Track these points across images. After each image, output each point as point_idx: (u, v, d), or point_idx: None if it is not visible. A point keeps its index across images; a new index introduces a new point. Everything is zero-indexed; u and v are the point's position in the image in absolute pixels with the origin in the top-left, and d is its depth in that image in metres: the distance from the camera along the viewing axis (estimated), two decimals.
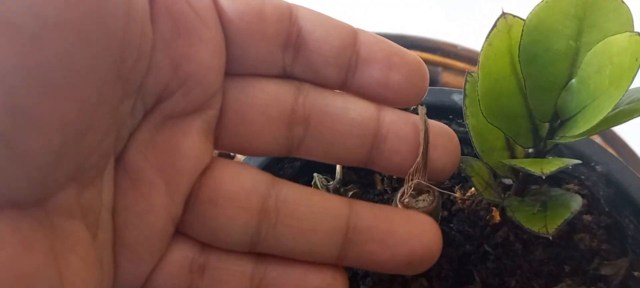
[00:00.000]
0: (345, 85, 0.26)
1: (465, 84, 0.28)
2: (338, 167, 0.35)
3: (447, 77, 0.56)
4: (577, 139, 0.26)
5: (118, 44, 0.21)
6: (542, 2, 0.26)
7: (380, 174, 0.36)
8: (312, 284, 0.26)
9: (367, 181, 0.36)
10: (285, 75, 0.26)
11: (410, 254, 0.26)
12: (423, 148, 0.28)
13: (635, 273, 0.31)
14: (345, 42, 0.25)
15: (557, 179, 0.34)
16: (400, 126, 0.27)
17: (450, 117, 0.37)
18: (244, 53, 0.25)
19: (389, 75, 0.26)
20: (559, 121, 0.28)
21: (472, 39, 0.52)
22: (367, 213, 0.26)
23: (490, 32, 0.27)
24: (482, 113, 0.27)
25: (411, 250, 0.26)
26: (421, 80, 0.26)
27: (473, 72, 0.28)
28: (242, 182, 0.25)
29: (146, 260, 0.25)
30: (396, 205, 0.28)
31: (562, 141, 0.27)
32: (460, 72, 0.55)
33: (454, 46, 0.56)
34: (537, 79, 0.27)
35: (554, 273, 0.32)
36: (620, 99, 0.24)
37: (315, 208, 0.26)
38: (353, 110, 0.26)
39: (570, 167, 0.33)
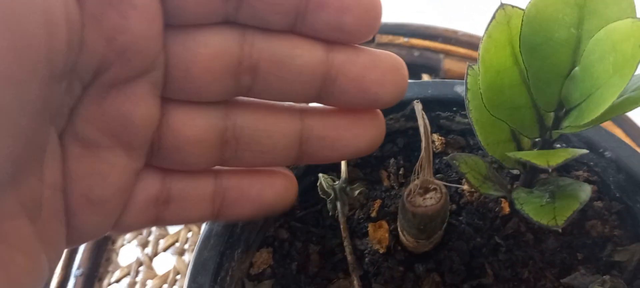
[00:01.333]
0: (295, 29, 0.26)
1: (466, 77, 0.28)
2: (343, 166, 0.35)
3: (449, 64, 0.55)
4: (584, 128, 0.26)
5: (41, 41, 0.20)
6: None
7: (386, 170, 0.36)
8: (268, 197, 0.29)
9: (373, 178, 0.36)
10: (228, 22, 0.25)
11: (356, 152, 0.29)
12: (425, 144, 0.27)
13: None
14: None
15: (566, 166, 0.34)
16: (350, 67, 0.26)
17: (454, 109, 0.36)
18: (183, 4, 0.24)
19: (341, 18, 0.25)
20: (564, 110, 0.28)
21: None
22: (317, 124, 0.28)
23: (489, 24, 0.26)
24: (484, 106, 0.27)
25: (357, 149, 0.29)
26: (374, 19, 0.25)
27: (474, 65, 0.28)
28: (198, 124, 0.26)
29: (115, 210, 0.26)
30: (404, 204, 0.28)
31: (568, 131, 0.27)
32: (462, 58, 0.54)
33: (455, 32, 0.56)
34: (539, 69, 0.27)
35: (567, 262, 0.31)
36: (625, 86, 0.24)
37: (271, 129, 0.28)
38: (301, 56, 0.26)
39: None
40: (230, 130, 0.27)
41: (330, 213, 0.34)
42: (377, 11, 0.25)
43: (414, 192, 0.28)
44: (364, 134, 0.29)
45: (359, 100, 0.27)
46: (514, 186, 0.30)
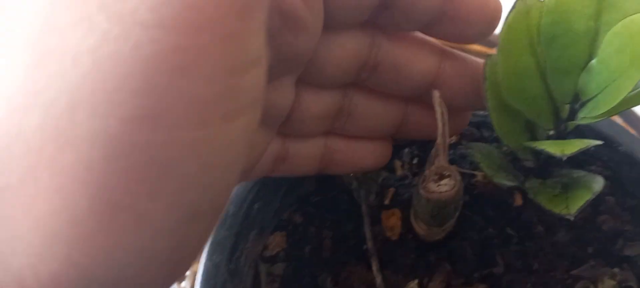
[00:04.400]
0: (422, 30, 0.28)
1: (485, 67, 0.28)
2: None
3: None
4: (598, 120, 0.26)
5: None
6: None
7: (400, 160, 0.36)
8: (368, 162, 0.32)
9: (387, 166, 0.36)
10: (363, 25, 0.27)
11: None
12: (441, 132, 0.28)
13: None
14: (433, 3, 0.26)
15: (579, 161, 0.34)
16: (456, 79, 0.29)
17: None
18: (336, 19, 0.25)
19: (467, 30, 0.27)
20: (580, 102, 0.28)
21: None
22: (418, 112, 0.31)
23: (509, 14, 0.27)
24: (502, 94, 0.27)
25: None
26: (492, 29, 0.27)
27: (492, 54, 0.28)
28: (323, 102, 0.29)
29: (249, 168, 0.28)
30: (419, 191, 0.28)
31: (583, 122, 0.27)
32: (478, 54, 0.55)
33: None
34: (557, 61, 0.27)
35: (578, 255, 0.32)
36: None
37: (378, 111, 0.31)
38: (417, 63, 0.29)
39: (592, 148, 0.33)
40: (346, 107, 0.30)
41: (357, 199, 0.34)
42: (496, 23, 0.27)
43: (428, 178, 0.28)
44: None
45: (455, 109, 0.30)
46: (529, 177, 0.31)
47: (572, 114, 0.28)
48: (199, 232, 0.18)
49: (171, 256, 0.17)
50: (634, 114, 0.51)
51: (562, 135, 0.29)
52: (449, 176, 0.28)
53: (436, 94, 0.28)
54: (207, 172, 0.17)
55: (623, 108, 0.25)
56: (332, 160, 0.31)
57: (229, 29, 0.16)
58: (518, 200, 0.33)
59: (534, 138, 0.30)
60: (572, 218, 0.25)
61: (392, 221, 0.33)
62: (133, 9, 0.15)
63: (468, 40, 0.28)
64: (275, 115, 0.27)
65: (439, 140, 0.28)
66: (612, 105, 0.24)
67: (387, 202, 0.34)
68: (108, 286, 0.16)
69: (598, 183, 0.27)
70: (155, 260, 0.17)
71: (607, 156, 0.34)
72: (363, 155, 0.32)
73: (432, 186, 0.28)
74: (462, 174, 0.29)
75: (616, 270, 0.30)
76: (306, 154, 0.31)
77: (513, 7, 0.27)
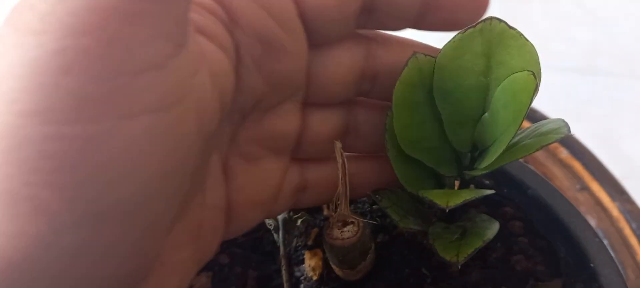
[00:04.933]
0: (414, 26, 0.29)
1: (386, 119, 0.29)
2: None
3: None
4: (485, 171, 0.27)
5: (192, 127, 0.21)
6: (450, 41, 0.28)
7: None
8: (384, 179, 0.32)
9: (313, 208, 0.38)
10: (355, 35, 0.29)
11: None
12: (342, 180, 0.29)
13: None
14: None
15: (495, 202, 0.36)
16: None
17: None
18: (323, 33, 0.27)
19: (456, 16, 0.28)
20: (478, 151, 0.29)
21: None
22: None
23: (402, 71, 0.28)
24: (400, 145, 0.29)
25: None
26: (484, 10, 0.28)
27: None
28: (329, 121, 0.30)
29: (270, 205, 0.30)
30: (324, 236, 0.30)
31: (474, 174, 0.28)
32: None
33: None
34: (452, 113, 0.29)
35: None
36: (526, 132, 0.26)
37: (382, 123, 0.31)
38: None
39: (505, 190, 0.34)
40: (352, 124, 0.31)
41: (277, 241, 0.36)
42: (486, 3, 0.28)
43: (332, 225, 0.30)
44: None
45: None
46: (435, 222, 0.32)
47: (472, 163, 0.30)
48: (115, 235, 0.19)
49: (84, 254, 0.18)
50: (578, 143, 0.52)
51: (466, 182, 0.30)
52: (353, 222, 0.30)
53: (337, 145, 0.29)
54: (106, 167, 0.18)
55: (508, 160, 0.27)
56: (351, 184, 0.31)
57: (111, 34, 0.17)
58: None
59: (440, 185, 0.31)
60: (458, 267, 0.27)
61: (314, 261, 0.35)
62: (28, 20, 0.17)
63: (462, 24, 0.28)
64: (283, 142, 0.29)
65: (340, 188, 0.29)
66: (493, 159, 0.26)
67: (310, 242, 0.35)
68: (21, 274, 0.17)
69: (491, 231, 0.28)
70: (65, 254, 0.18)
71: (518, 198, 0.35)
72: (379, 175, 0.33)
73: (336, 233, 0.30)
74: (369, 220, 0.31)
75: None
76: (326, 180, 0.31)
77: (405, 65, 0.28)
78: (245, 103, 0.26)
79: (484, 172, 0.27)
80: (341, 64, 0.28)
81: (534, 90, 0.24)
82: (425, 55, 0.28)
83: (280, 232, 0.36)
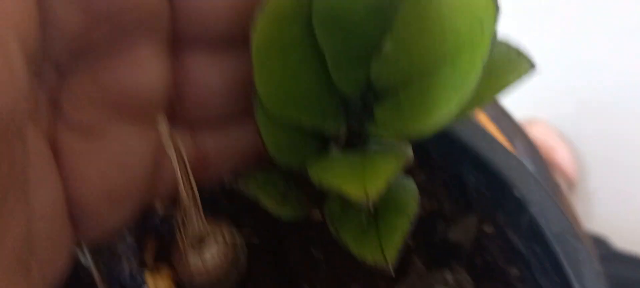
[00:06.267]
0: None
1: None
2: None
3: None
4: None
5: None
6: None
7: None
8: None
9: None
10: None
11: None
12: (181, 183, 0.19)
13: (486, 229, 0.26)
14: None
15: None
16: None
17: None
18: None
19: None
20: (374, 93, 0.21)
21: None
22: None
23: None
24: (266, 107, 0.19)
25: None
26: None
27: None
28: (223, 69, 0.21)
29: (145, 193, 0.21)
30: (180, 276, 0.20)
31: (392, 138, 0.20)
32: None
33: None
34: (339, 47, 0.19)
35: (402, 260, 0.25)
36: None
37: None
38: None
39: None
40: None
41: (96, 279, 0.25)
42: None
43: (185, 251, 0.20)
44: None
45: None
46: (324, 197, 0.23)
47: (367, 110, 0.21)
48: None
49: None
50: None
51: (356, 138, 0.22)
52: (214, 237, 0.20)
53: (162, 126, 0.19)
54: None
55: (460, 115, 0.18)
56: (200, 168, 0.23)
57: None
58: (317, 215, 0.26)
59: (324, 147, 0.22)
60: (392, 273, 0.19)
61: (163, 285, 0.25)
62: None
63: None
64: (144, 102, 0.20)
65: (182, 194, 0.20)
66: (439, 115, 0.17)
67: (148, 259, 0.25)
68: None
69: (414, 201, 0.20)
70: None
71: None
72: (239, 140, 0.24)
73: (193, 260, 0.20)
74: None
75: (448, 275, 0.24)
76: (235, 146, 0.22)
77: None
78: (55, 46, 0.18)
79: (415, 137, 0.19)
80: None
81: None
82: None
83: (88, 258, 0.25)
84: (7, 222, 0.16)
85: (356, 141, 0.22)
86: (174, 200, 0.27)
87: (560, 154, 1.04)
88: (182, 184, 0.19)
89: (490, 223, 0.26)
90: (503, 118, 0.54)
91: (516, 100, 0.44)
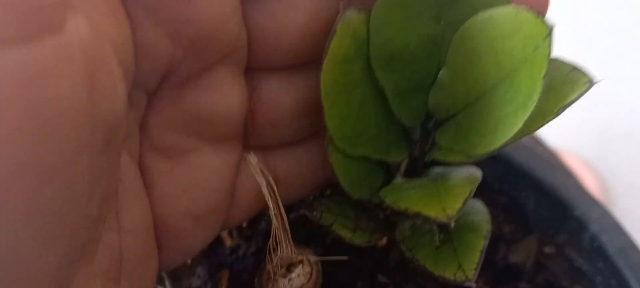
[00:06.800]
0: None
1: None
2: None
3: None
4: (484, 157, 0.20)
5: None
6: None
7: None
8: None
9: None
10: None
11: None
12: (274, 211, 0.21)
13: (547, 250, 0.27)
14: None
15: None
16: None
17: None
18: None
19: None
20: (433, 121, 0.22)
21: None
22: None
23: (329, 40, 0.19)
24: (339, 146, 0.21)
25: None
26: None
27: None
28: (293, 90, 0.22)
29: (222, 214, 0.22)
30: None
31: (455, 160, 0.21)
32: None
33: None
34: (399, 82, 0.21)
35: None
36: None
37: None
38: None
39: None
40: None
41: None
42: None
43: (274, 276, 0.21)
44: None
45: None
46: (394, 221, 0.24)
47: (426, 137, 0.22)
48: None
49: None
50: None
51: (417, 161, 0.23)
52: (300, 261, 0.21)
53: (253, 159, 0.20)
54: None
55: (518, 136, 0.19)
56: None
57: None
58: (382, 240, 0.27)
59: (389, 177, 0.23)
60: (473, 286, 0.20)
61: None
62: None
63: None
64: (222, 125, 0.21)
65: (274, 222, 0.21)
66: (499, 138, 0.18)
67: None
68: None
69: (487, 223, 0.21)
70: None
71: None
72: (307, 164, 0.25)
73: (283, 282, 0.21)
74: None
75: None
76: (302, 168, 0.23)
77: (333, 32, 0.19)
78: (144, 71, 0.18)
79: (476, 158, 0.20)
80: (298, 7, 0.19)
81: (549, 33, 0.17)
82: (359, 10, 0.20)
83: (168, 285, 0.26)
84: (102, 235, 0.17)
85: (417, 168, 0.23)
86: (240, 230, 0.28)
87: (587, 184, 1.04)
88: (272, 210, 0.20)
89: (551, 244, 0.27)
90: (538, 146, 0.54)
91: (540, 132, 0.45)
